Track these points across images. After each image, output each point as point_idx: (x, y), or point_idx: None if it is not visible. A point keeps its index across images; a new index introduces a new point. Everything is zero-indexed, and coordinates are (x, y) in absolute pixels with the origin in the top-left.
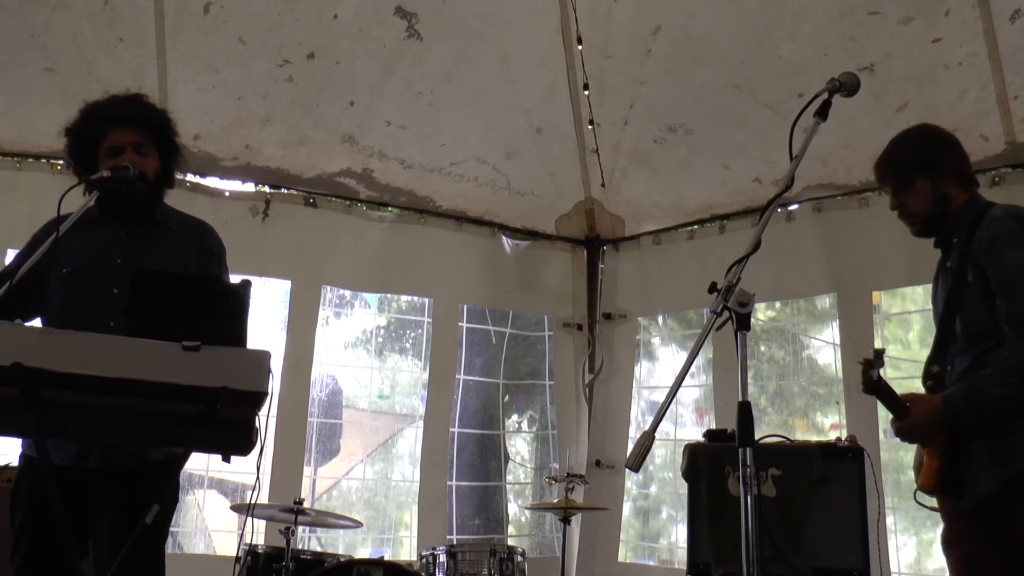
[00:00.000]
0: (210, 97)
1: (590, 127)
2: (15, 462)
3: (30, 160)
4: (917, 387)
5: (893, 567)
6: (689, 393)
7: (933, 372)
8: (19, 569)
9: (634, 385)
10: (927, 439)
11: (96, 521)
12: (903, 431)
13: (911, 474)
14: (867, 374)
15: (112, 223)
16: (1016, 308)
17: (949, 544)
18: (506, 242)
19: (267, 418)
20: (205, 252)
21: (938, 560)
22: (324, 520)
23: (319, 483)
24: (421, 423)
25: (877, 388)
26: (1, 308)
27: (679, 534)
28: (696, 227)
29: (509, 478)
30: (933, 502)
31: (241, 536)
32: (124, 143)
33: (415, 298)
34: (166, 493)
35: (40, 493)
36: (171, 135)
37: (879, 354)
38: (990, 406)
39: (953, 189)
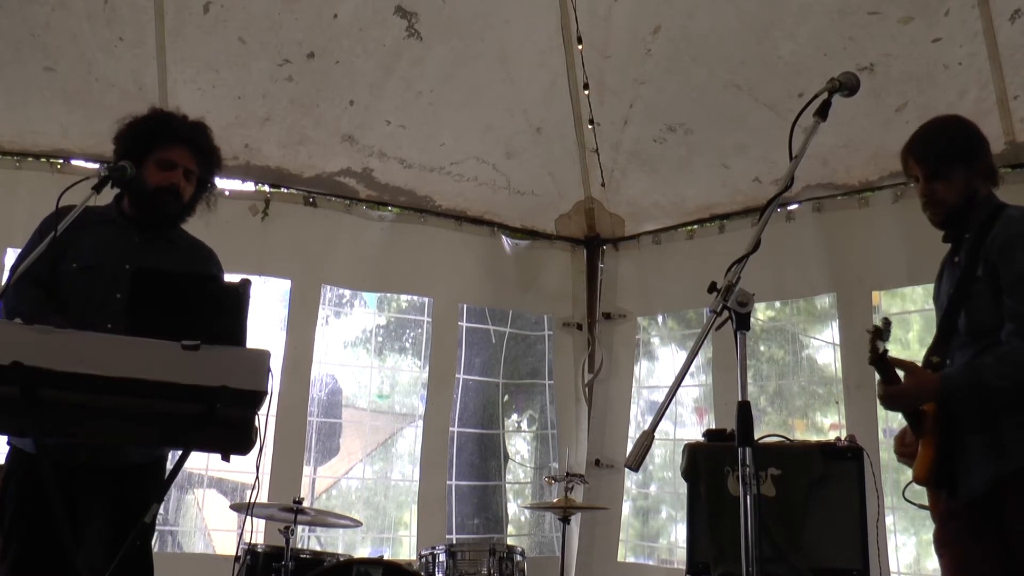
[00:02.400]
0: (210, 96)
1: (590, 127)
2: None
3: (30, 159)
4: None
5: (892, 567)
6: (689, 393)
7: (933, 362)
8: (11, 569)
9: (634, 385)
10: (908, 408)
11: (85, 518)
12: (889, 395)
13: (909, 474)
14: (874, 344)
15: (128, 228)
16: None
17: (941, 544)
18: (506, 242)
19: (266, 417)
20: (207, 271)
21: (937, 560)
22: (323, 519)
23: (318, 482)
24: (421, 422)
25: (882, 361)
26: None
27: (678, 534)
28: (696, 227)
29: (509, 477)
30: (923, 499)
31: (240, 535)
32: (180, 163)
33: (415, 297)
34: (158, 490)
35: (31, 491)
36: (214, 174)
37: (887, 324)
38: (985, 395)
39: (982, 184)
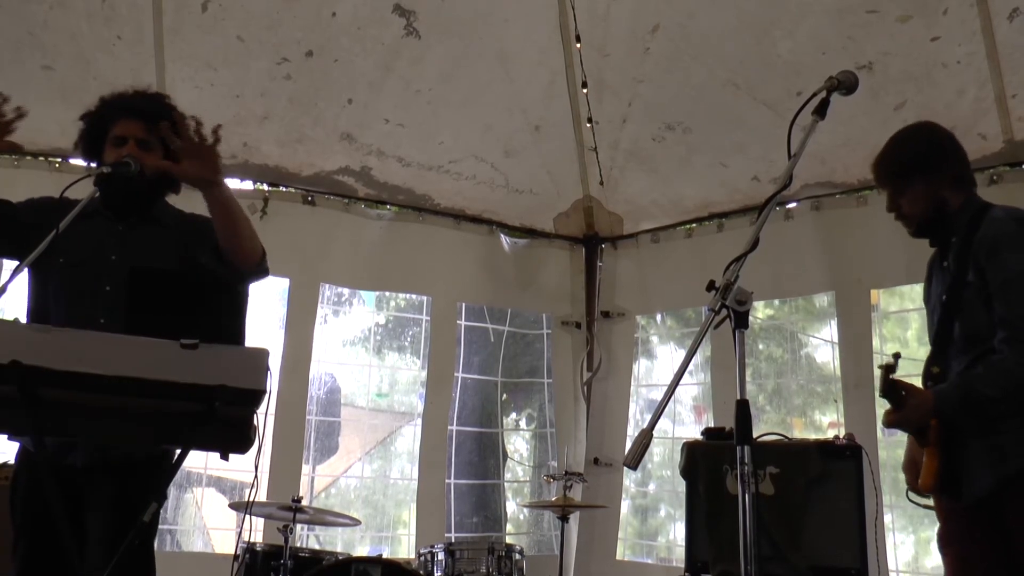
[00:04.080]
0: (208, 95)
1: (588, 125)
2: (12, 459)
3: (28, 158)
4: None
5: (891, 565)
6: (687, 391)
7: (933, 373)
8: (21, 567)
9: (632, 383)
10: (912, 430)
11: (90, 516)
12: (892, 423)
13: None
14: (886, 377)
15: (111, 217)
16: (1012, 312)
17: (945, 543)
18: (504, 240)
19: (265, 416)
20: (201, 240)
21: (936, 558)
22: (322, 518)
23: (317, 481)
24: (419, 421)
25: (892, 390)
26: None
27: (677, 532)
28: (694, 225)
29: (507, 476)
30: (926, 500)
31: (239, 534)
32: (128, 135)
33: (413, 296)
34: (157, 488)
35: (37, 491)
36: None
37: (896, 358)
38: (978, 405)
39: (949, 192)
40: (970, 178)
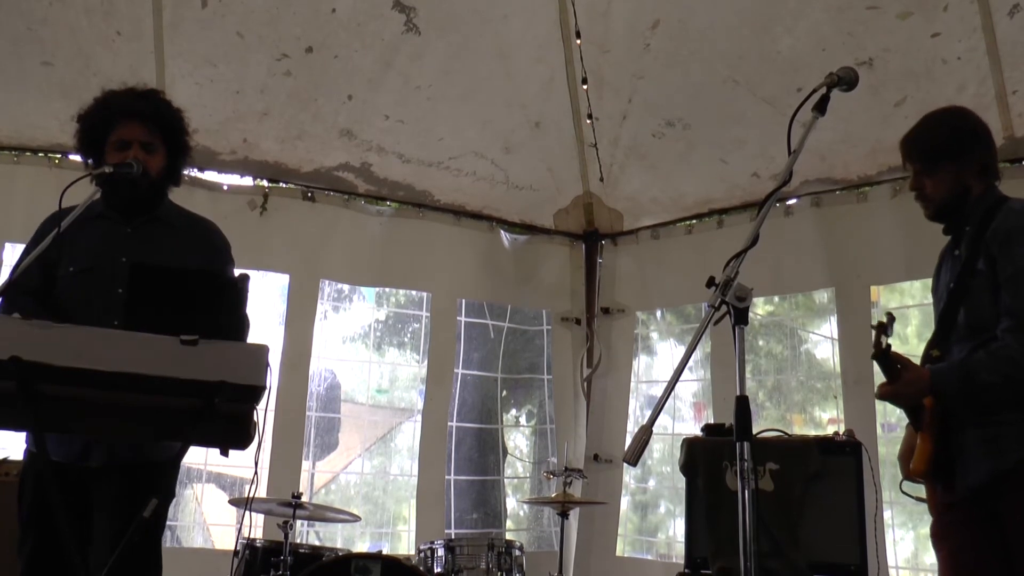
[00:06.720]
0: (208, 91)
1: (588, 121)
2: (13, 455)
3: (28, 154)
4: None
5: (891, 562)
6: (687, 387)
7: (933, 356)
8: (27, 564)
9: (632, 379)
10: (904, 405)
11: (96, 516)
12: (885, 395)
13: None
14: (878, 339)
15: (117, 220)
16: (1018, 302)
17: (939, 537)
18: (504, 236)
19: (265, 412)
20: (211, 249)
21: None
22: (322, 514)
23: (317, 477)
24: (419, 417)
25: (885, 357)
26: (31, 307)
27: (677, 528)
28: (694, 222)
29: (507, 472)
30: (919, 492)
31: (239, 530)
32: (132, 139)
33: (413, 292)
34: (164, 486)
35: (44, 489)
36: (182, 135)
37: (891, 319)
38: (976, 391)
39: (974, 180)
40: (995, 169)
